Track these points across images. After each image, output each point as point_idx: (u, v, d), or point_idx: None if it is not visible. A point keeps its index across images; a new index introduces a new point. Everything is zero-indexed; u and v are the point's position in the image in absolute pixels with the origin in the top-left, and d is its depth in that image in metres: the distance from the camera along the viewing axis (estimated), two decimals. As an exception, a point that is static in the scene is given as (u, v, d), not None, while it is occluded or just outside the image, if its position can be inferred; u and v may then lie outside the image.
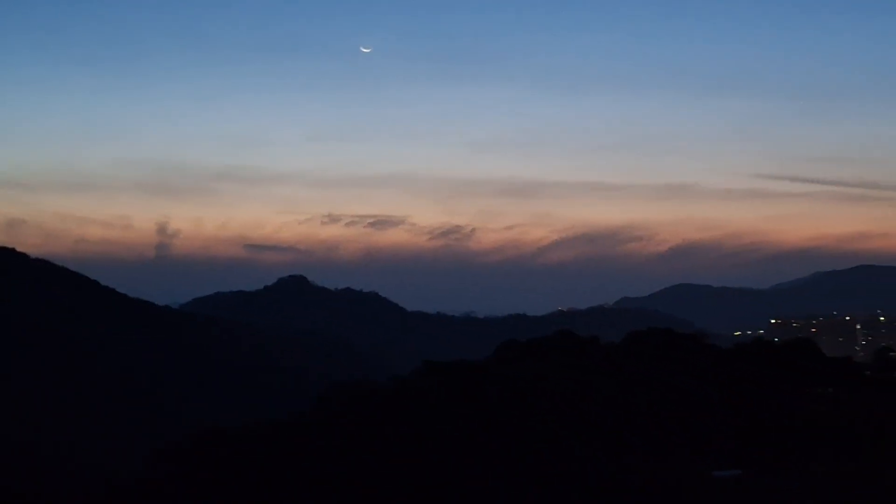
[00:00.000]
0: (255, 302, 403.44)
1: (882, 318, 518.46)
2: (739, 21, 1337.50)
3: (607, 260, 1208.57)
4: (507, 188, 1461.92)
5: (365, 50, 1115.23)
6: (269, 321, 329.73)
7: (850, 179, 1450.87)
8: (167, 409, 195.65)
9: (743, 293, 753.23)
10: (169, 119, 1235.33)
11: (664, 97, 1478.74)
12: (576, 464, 72.21)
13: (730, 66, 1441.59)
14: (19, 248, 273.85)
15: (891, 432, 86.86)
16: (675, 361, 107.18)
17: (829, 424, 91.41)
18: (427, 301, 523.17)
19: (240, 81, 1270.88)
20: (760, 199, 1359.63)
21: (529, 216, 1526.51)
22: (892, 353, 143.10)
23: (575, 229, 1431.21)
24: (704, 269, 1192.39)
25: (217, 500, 69.99)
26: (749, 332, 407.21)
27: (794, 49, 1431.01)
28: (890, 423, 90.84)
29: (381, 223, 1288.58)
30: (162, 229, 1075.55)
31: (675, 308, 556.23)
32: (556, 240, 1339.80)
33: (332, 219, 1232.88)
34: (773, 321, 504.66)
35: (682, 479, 71.36)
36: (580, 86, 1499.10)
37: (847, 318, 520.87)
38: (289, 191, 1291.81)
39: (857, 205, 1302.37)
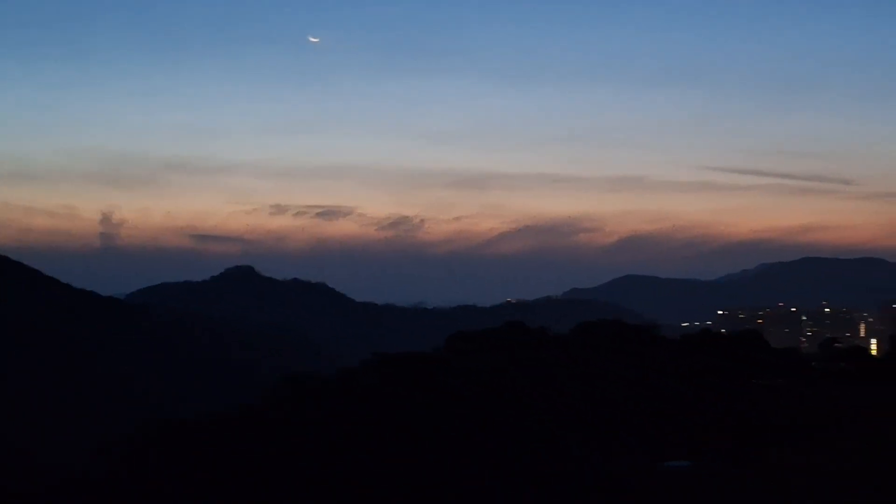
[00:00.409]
0: (201, 292, 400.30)
1: (827, 310, 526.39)
2: (690, 13, 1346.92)
3: (557, 251, 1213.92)
4: (458, 179, 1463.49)
5: (313, 40, 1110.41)
6: (215, 312, 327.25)
7: (797, 172, 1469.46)
8: (113, 401, 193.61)
9: (691, 284, 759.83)
10: (117, 109, 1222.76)
11: (615, 89, 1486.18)
12: (531, 455, 72.43)
13: (680, 58, 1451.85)
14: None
15: (836, 422, 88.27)
16: (625, 352, 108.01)
17: (776, 415, 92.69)
18: (376, 292, 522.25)
19: (189, 72, 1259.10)
20: (709, 192, 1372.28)
21: (479, 207, 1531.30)
22: (836, 345, 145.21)
23: (525, 220, 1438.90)
24: (653, 260, 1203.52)
25: (165, 493, 69.47)
26: (697, 324, 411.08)
27: (744, 42, 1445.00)
28: (835, 414, 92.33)
29: (329, 214, 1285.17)
30: (108, 219, 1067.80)
31: (624, 299, 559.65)
32: (506, 231, 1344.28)
33: (280, 209, 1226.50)
34: (720, 312, 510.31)
35: (633, 469, 71.93)
36: (531, 78, 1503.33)
37: (793, 309, 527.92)
38: (237, 181, 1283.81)
39: (803, 198, 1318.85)
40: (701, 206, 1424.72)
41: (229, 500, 65.65)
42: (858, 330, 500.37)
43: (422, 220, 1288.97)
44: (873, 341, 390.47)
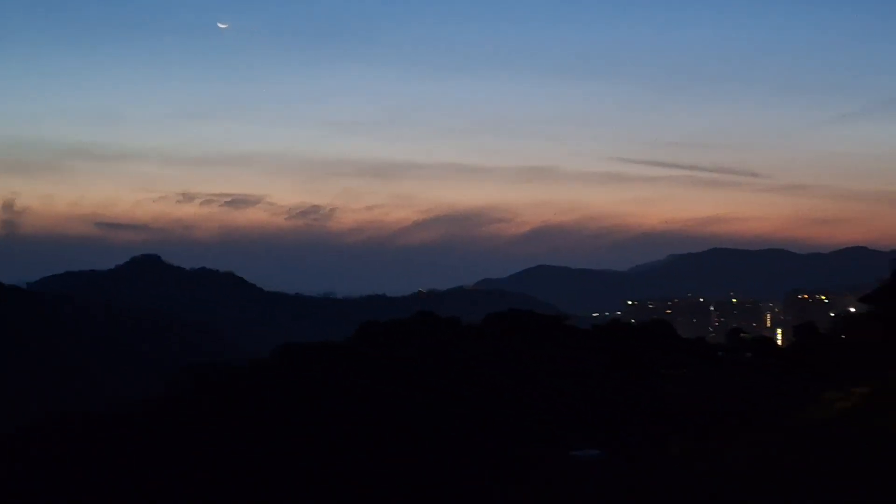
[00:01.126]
0: (106, 281, 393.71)
1: (734, 300, 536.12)
2: (601, 4, 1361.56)
3: (468, 241, 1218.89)
4: (369, 168, 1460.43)
5: (222, 26, 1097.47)
6: (121, 301, 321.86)
7: (706, 164, 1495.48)
8: (12, 393, 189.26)
9: (602, 275, 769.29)
10: (20, 94, 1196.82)
11: (526, 79, 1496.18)
12: (442, 445, 72.31)
13: (591, 49, 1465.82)
14: None
15: (742, 412, 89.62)
16: (535, 342, 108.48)
17: (683, 405, 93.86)
18: (285, 281, 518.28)
19: (95, 56, 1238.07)
20: (620, 183, 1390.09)
21: (391, 197, 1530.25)
22: (743, 335, 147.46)
23: (436, 210, 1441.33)
24: (564, 250, 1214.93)
25: (62, 489, 67.92)
26: (607, 314, 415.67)
27: (655, 34, 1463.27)
28: (741, 403, 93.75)
29: (238, 202, 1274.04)
30: (9, 207, 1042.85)
31: (536, 289, 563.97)
32: (418, 221, 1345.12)
33: (188, 197, 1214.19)
34: (630, 303, 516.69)
35: (542, 459, 72.17)
36: (443, 67, 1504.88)
37: (701, 299, 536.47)
38: (144, 168, 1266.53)
39: (712, 189, 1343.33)
40: (612, 197, 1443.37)
41: (128, 496, 64.35)
42: (764, 320, 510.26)
43: (332, 210, 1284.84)
44: (779, 331, 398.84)
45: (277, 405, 76.98)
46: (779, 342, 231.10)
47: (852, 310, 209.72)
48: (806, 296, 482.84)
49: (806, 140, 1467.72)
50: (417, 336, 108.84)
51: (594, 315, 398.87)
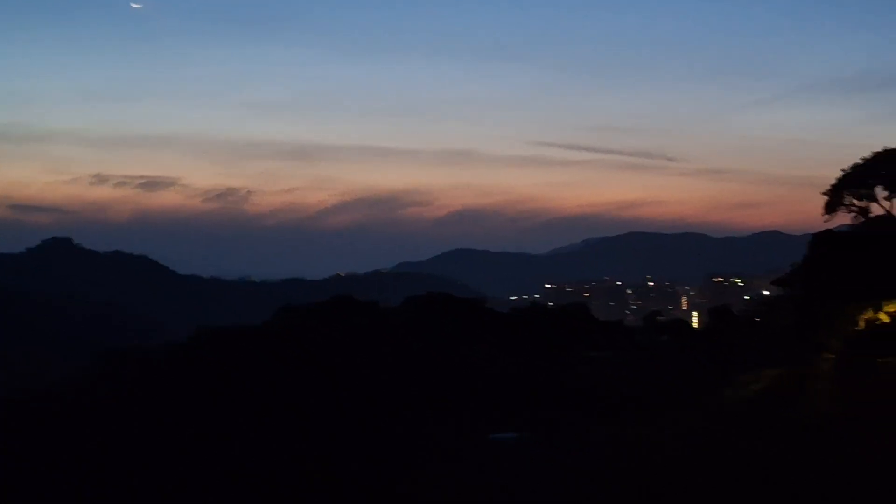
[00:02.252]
0: (17, 265, 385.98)
1: (651, 284, 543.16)
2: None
3: (387, 224, 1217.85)
4: (287, 151, 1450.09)
5: (135, 6, 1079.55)
6: (31, 285, 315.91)
7: (623, 148, 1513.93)
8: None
9: (521, 258, 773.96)
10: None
11: (446, 63, 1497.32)
12: (362, 427, 72.43)
13: (511, 34, 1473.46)
14: None
15: (659, 394, 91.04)
16: (453, 325, 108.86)
17: (601, 387, 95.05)
18: (202, 265, 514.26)
19: (6, 37, 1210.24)
20: (538, 167, 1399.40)
21: (309, 179, 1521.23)
22: (659, 318, 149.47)
23: (355, 193, 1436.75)
24: (484, 234, 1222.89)
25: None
26: (525, 297, 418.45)
27: (575, 20, 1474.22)
28: (658, 385, 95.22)
29: (152, 184, 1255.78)
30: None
31: (454, 272, 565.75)
32: (336, 203, 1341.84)
33: (101, 179, 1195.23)
34: (548, 286, 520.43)
35: (460, 441, 72.60)
36: (363, 50, 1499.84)
37: (618, 283, 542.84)
38: (56, 150, 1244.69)
39: (629, 173, 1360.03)
40: (530, 181, 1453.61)
41: (40, 484, 63.36)
42: (681, 303, 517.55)
43: (249, 192, 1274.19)
44: (695, 314, 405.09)
45: (189, 389, 76.22)
46: (695, 325, 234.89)
47: (766, 293, 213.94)
48: (721, 279, 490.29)
49: (723, 125, 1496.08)
50: (335, 319, 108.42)
51: (513, 298, 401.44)
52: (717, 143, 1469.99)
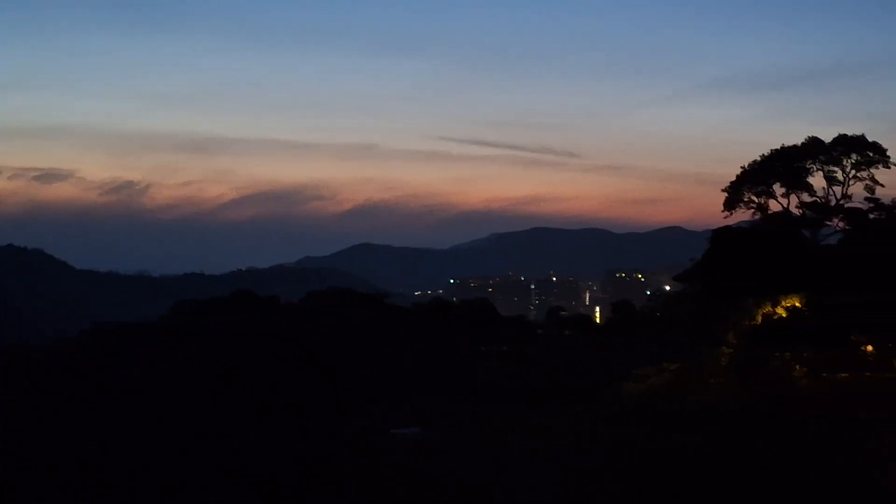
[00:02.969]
0: None
1: (554, 279, 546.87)
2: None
3: (289, 218, 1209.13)
4: (185, 143, 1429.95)
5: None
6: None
7: (527, 144, 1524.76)
8: None
9: (424, 253, 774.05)
10: None
11: (347, 56, 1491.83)
12: (261, 424, 71.69)
13: (411, 27, 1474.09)
14: None
15: (560, 388, 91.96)
16: (355, 321, 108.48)
17: (504, 382, 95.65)
18: (98, 259, 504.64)
19: None
20: (442, 161, 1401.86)
21: (209, 172, 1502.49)
22: (563, 313, 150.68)
23: (256, 187, 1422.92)
24: (387, 229, 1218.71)
25: None
26: (429, 292, 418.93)
27: (478, 15, 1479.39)
28: (560, 379, 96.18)
29: (47, 176, 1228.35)
30: None
31: (358, 268, 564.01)
32: (237, 197, 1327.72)
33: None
34: (452, 281, 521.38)
35: (363, 437, 72.43)
36: (263, 42, 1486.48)
37: (522, 278, 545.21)
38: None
39: (533, 169, 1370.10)
40: (434, 176, 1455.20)
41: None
42: (583, 298, 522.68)
43: (147, 185, 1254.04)
44: (597, 309, 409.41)
45: (81, 386, 74.56)
46: (597, 319, 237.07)
47: (667, 288, 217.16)
48: (623, 274, 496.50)
49: (625, 121, 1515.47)
50: (235, 314, 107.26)
51: (416, 293, 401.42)
52: (618, 139, 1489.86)
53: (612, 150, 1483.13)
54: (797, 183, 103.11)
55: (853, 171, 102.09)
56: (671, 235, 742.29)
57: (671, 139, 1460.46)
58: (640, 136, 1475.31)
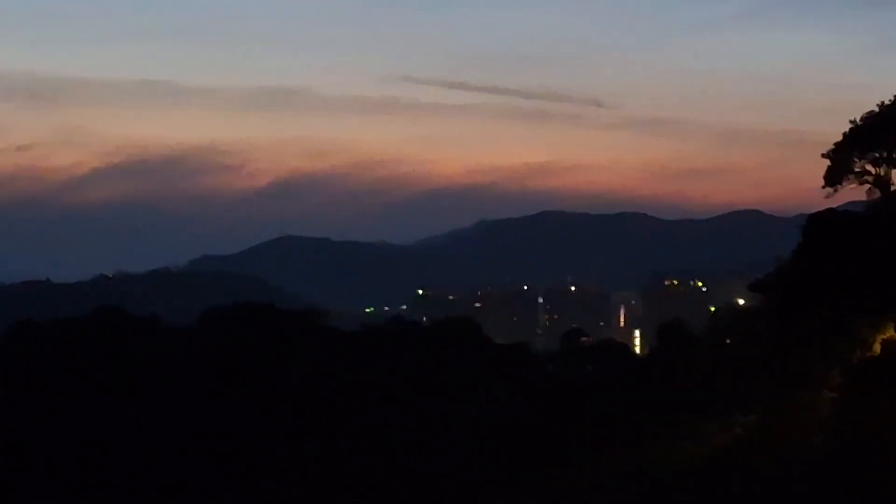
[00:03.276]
0: None
1: (572, 289, 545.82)
2: None
3: (177, 200, 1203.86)
4: (15, 87, 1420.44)
5: None
6: None
7: (527, 88, 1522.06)
8: None
9: (379, 251, 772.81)
10: None
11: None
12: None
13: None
14: None
15: (582, 450, 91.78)
16: (276, 353, 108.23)
17: (491, 443, 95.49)
18: None
19: None
20: (401, 113, 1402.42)
21: (52, 131, 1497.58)
22: (585, 339, 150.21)
23: (126, 152, 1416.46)
24: (322, 214, 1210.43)
25: None
26: (387, 308, 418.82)
27: None
28: (580, 437, 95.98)
29: None
30: None
31: (279, 272, 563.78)
32: (98, 168, 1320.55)
33: None
34: (420, 292, 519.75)
35: None
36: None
37: (525, 287, 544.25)
38: None
39: (537, 124, 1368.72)
40: (390, 134, 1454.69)
41: None
42: (616, 318, 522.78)
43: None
44: (637, 333, 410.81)
45: None
46: (636, 349, 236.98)
47: (740, 302, 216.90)
48: (675, 282, 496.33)
49: (670, 54, 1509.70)
50: (95, 342, 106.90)
51: (367, 310, 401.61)
52: (660, 81, 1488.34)
53: (652, 96, 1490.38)
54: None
55: None
56: (744, 224, 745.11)
57: (738, 80, 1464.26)
58: (692, 76, 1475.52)
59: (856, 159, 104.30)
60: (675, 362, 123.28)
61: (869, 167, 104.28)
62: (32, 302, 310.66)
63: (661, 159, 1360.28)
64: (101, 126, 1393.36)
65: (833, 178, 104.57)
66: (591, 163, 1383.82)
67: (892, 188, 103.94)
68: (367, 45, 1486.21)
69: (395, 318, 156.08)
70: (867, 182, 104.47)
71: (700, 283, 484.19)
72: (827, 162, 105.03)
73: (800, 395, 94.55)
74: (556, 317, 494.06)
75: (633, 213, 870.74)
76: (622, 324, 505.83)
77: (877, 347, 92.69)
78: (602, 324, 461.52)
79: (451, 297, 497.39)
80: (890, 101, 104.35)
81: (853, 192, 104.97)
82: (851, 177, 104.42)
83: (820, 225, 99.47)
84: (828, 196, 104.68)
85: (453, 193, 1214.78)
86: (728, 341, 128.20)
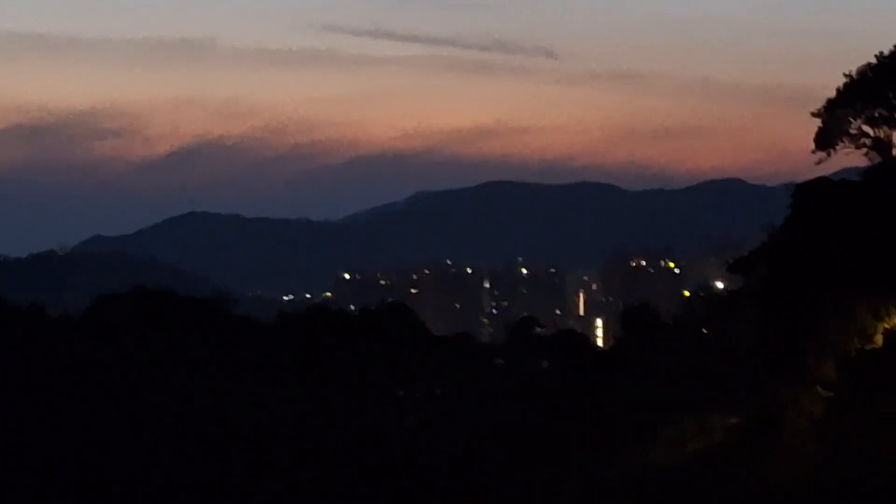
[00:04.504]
0: None
1: (524, 270, 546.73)
2: None
3: (61, 171, 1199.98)
4: None
5: None
6: None
7: (470, 36, 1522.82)
8: None
9: (296, 228, 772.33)
10: None
11: None
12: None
13: None
14: None
15: (532, 458, 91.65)
16: (177, 346, 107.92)
17: (427, 449, 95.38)
18: None
19: None
20: (326, 66, 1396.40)
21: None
22: (539, 329, 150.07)
23: (5, 117, 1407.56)
24: (231, 186, 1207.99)
25: None
26: (308, 295, 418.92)
27: None
28: (531, 444, 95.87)
29: None
30: None
31: (183, 253, 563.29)
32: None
33: None
34: (346, 276, 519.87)
35: None
36: None
37: (468, 270, 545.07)
38: None
39: (480, 78, 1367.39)
40: (306, 93, 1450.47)
41: None
42: (574, 302, 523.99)
43: None
44: (598, 322, 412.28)
45: None
46: (598, 339, 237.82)
47: (718, 285, 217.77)
48: (642, 261, 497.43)
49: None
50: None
51: (286, 298, 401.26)
52: (625, 27, 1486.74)
53: (614, 46, 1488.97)
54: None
55: None
56: (722, 194, 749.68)
57: (713, 25, 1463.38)
58: (661, 22, 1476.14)
59: (851, 119, 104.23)
60: (644, 355, 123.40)
61: (866, 128, 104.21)
62: None
63: (624, 120, 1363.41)
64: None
65: (825, 140, 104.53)
66: (543, 124, 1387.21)
67: (894, 152, 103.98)
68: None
69: (318, 306, 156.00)
70: (864, 145, 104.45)
71: (671, 264, 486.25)
72: (818, 122, 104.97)
73: (788, 392, 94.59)
74: (504, 303, 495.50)
75: (592, 183, 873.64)
76: (581, 311, 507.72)
77: (878, 338, 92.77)
78: (558, 311, 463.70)
79: (382, 282, 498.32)
80: (890, 50, 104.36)
81: (848, 158, 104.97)
82: (846, 139, 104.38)
83: (811, 195, 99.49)
84: (819, 161, 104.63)
85: (383, 162, 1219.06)
86: (704, 331, 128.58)
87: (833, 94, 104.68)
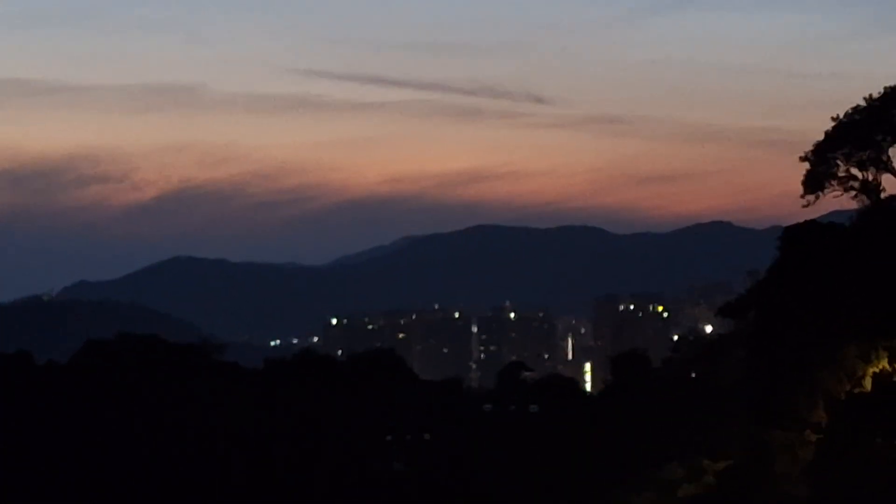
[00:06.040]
0: None
1: (512, 315, 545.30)
2: None
3: (48, 217, 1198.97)
4: None
5: None
6: None
7: (457, 81, 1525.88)
8: None
9: (284, 273, 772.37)
10: None
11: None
12: None
13: None
14: None
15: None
16: (162, 391, 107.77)
17: (423, 493, 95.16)
18: None
19: None
20: (307, 113, 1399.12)
21: None
22: (528, 374, 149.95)
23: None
24: (217, 231, 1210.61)
25: None
26: (295, 340, 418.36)
27: None
28: (521, 489, 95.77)
29: None
30: None
31: (168, 299, 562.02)
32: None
33: None
34: (334, 321, 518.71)
35: None
36: None
37: (457, 314, 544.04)
38: None
39: (469, 123, 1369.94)
40: (294, 138, 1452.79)
41: None
42: (563, 347, 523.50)
43: None
44: (587, 367, 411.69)
45: None
46: (587, 385, 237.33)
47: (708, 329, 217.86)
48: (630, 305, 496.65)
49: (623, 41, 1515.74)
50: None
51: (273, 343, 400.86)
52: (613, 73, 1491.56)
53: (601, 91, 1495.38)
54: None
55: None
56: (709, 238, 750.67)
57: (701, 70, 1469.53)
58: (647, 67, 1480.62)
59: (840, 162, 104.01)
60: (634, 400, 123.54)
61: (855, 171, 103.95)
62: None
63: (612, 164, 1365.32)
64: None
65: (813, 184, 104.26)
66: (531, 168, 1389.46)
67: (883, 195, 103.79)
68: (267, 34, 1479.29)
69: (305, 352, 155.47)
70: (853, 188, 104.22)
71: (660, 308, 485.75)
72: (806, 165, 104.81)
73: (778, 436, 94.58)
74: (492, 348, 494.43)
75: (580, 227, 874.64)
76: (570, 355, 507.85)
77: (867, 381, 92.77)
78: (547, 356, 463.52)
79: (370, 327, 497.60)
80: (879, 93, 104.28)
81: (837, 200, 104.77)
82: (835, 182, 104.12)
83: (799, 239, 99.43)
84: (807, 205, 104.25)
85: (371, 206, 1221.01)
86: (694, 374, 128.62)
87: (821, 137, 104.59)
